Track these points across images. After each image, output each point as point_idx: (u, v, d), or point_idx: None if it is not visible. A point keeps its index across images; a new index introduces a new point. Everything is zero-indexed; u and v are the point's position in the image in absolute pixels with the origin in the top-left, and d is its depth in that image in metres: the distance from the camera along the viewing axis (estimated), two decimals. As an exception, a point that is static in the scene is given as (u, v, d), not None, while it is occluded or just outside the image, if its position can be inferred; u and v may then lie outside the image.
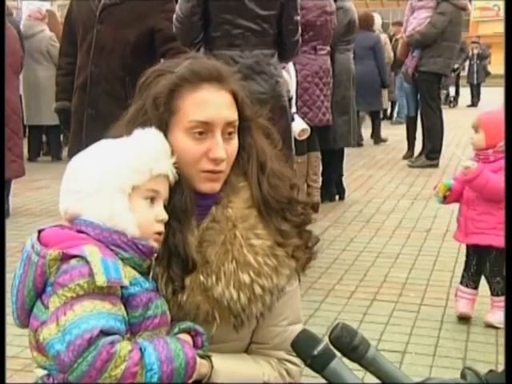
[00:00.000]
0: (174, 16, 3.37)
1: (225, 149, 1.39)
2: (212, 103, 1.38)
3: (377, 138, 10.06)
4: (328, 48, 5.28)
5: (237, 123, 1.43)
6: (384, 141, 9.95)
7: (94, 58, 3.56)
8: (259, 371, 1.45)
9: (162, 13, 3.54)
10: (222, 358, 1.39)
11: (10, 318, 3.13)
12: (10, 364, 2.80)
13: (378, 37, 9.22)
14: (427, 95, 7.66)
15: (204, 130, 1.38)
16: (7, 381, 2.61)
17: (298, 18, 3.56)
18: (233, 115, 1.42)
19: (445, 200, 3.30)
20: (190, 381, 1.28)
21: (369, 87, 8.52)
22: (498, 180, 3.07)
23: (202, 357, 1.32)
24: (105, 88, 3.57)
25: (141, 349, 1.19)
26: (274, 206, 1.44)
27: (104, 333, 1.14)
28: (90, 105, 3.60)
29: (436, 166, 7.69)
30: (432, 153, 7.77)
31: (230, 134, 1.41)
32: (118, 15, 3.52)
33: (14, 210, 5.77)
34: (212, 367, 1.35)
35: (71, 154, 3.71)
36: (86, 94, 3.61)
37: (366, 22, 8.53)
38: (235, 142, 1.44)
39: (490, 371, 0.99)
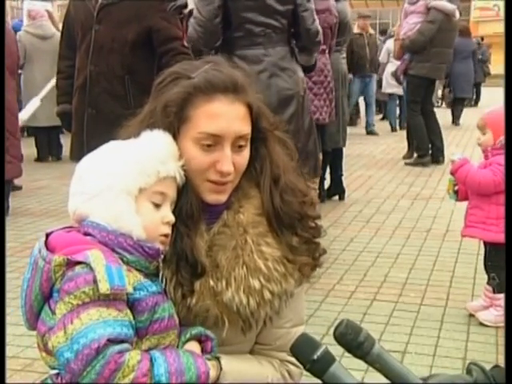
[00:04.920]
0: (194, 20, 3.36)
1: (234, 160, 1.37)
2: (224, 116, 1.35)
3: (456, 120, 12.27)
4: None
5: (249, 136, 1.40)
6: (459, 125, 12.02)
7: (93, 58, 3.55)
8: (264, 373, 1.46)
9: (159, 12, 3.52)
10: (229, 359, 1.39)
11: (9, 318, 3.15)
12: (10, 364, 2.80)
13: (475, 43, 13.08)
14: (410, 97, 7.95)
15: (213, 142, 1.35)
16: (7, 381, 2.61)
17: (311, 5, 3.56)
18: (245, 128, 1.38)
19: (458, 196, 3.32)
20: None
21: (466, 79, 11.87)
22: (476, 174, 3.15)
23: (210, 359, 1.32)
24: (105, 87, 3.56)
25: (151, 359, 1.18)
26: (285, 222, 1.43)
27: (111, 341, 1.14)
28: (90, 104, 3.60)
29: (426, 164, 7.83)
30: (420, 151, 7.99)
31: (240, 146, 1.39)
32: (116, 14, 3.51)
33: (14, 209, 5.76)
34: (221, 369, 1.35)
35: (72, 154, 3.71)
36: (86, 93, 3.60)
37: (467, 32, 11.98)
38: (246, 153, 1.41)
39: (496, 366, 0.98)
